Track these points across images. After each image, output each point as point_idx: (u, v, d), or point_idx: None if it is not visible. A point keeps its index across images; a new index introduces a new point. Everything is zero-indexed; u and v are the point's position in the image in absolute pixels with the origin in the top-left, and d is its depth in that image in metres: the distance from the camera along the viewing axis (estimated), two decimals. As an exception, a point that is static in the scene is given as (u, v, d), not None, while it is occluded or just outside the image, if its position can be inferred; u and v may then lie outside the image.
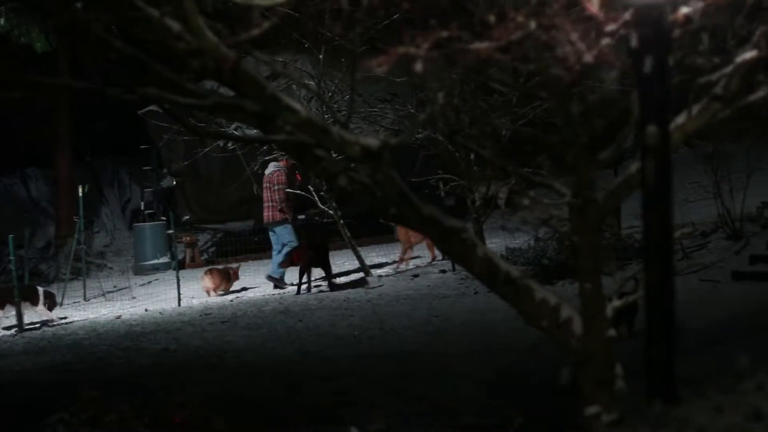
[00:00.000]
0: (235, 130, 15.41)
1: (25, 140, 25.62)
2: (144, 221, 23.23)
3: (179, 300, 17.19)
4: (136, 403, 8.30)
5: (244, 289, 18.05)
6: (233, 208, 22.41)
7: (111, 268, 23.26)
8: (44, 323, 16.23)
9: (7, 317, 16.04)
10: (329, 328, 13.54)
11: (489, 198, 16.96)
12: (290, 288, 17.25)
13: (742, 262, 14.26)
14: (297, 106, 5.43)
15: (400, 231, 17.84)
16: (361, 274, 17.76)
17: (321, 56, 16.09)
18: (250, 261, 21.30)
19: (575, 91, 5.28)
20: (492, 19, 5.01)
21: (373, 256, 19.26)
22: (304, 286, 16.64)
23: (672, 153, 4.73)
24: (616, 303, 5.73)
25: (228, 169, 21.19)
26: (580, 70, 5.10)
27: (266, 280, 17.83)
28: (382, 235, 19.69)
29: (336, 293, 16.37)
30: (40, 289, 16.61)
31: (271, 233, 17.92)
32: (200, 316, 15.57)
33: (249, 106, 5.40)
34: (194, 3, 5.08)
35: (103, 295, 19.17)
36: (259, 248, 19.94)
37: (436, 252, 17.68)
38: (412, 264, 18.17)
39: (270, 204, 17.57)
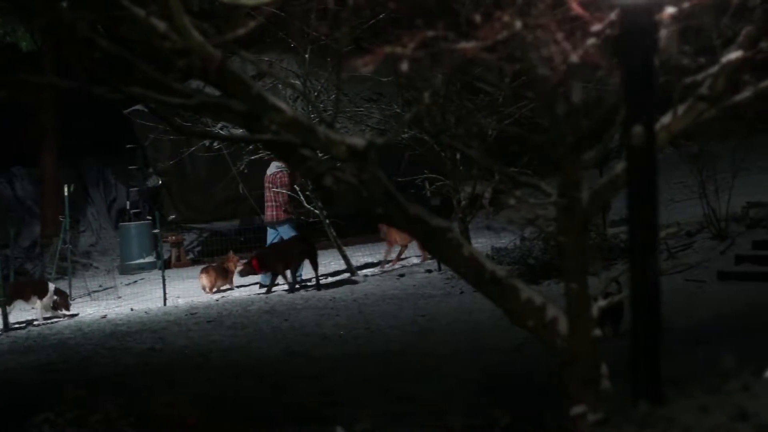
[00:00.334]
0: (221, 129, 15.39)
1: (10, 139, 25.50)
2: (130, 221, 23.14)
3: (165, 299, 17.16)
4: (121, 403, 8.26)
5: (229, 288, 18.02)
6: (219, 207, 22.38)
7: (97, 268, 23.18)
8: (29, 323, 16.19)
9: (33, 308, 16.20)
10: (315, 328, 13.54)
11: (475, 197, 16.97)
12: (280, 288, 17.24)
13: (728, 262, 14.31)
14: (283, 105, 5.41)
15: (387, 231, 17.81)
16: (347, 275, 17.76)
17: (307, 56, 16.07)
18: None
19: (561, 91, 5.28)
20: (478, 18, 5.01)
21: (359, 255, 19.25)
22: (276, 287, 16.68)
23: (657, 153, 4.73)
24: (602, 303, 5.73)
25: (214, 168, 21.15)
26: (566, 70, 5.10)
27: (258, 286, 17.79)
28: (369, 235, 19.67)
29: (322, 293, 16.37)
30: (51, 286, 16.56)
31: (270, 232, 17.91)
32: (186, 315, 15.56)
33: (235, 105, 5.39)
34: (180, 2, 5.06)
35: (89, 294, 19.11)
36: (245, 248, 19.89)
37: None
38: (398, 264, 18.16)
39: (273, 203, 17.58)
